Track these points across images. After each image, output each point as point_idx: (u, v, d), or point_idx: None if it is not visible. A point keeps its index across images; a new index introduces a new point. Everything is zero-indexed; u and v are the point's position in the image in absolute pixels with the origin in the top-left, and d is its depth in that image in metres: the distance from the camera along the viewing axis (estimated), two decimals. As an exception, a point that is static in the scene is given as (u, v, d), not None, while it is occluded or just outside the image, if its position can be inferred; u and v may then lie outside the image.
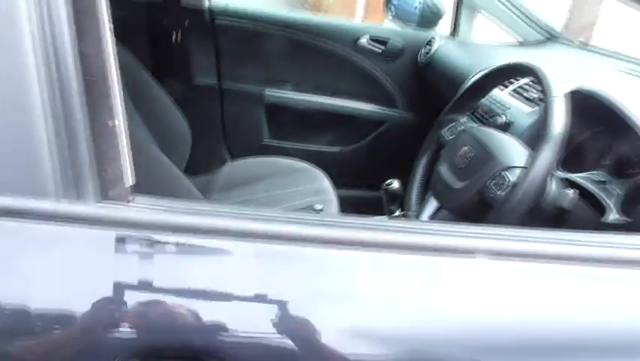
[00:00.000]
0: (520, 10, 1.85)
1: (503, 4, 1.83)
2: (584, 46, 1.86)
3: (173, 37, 1.79)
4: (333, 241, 0.52)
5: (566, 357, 0.58)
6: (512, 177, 0.86)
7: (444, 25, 1.96)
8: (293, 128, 1.99)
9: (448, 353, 0.55)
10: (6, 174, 0.45)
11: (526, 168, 0.85)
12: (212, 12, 1.84)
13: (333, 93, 1.94)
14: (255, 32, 1.86)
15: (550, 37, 1.86)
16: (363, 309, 0.52)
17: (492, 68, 1.14)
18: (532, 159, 0.83)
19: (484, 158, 0.91)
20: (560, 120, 0.84)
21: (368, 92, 1.94)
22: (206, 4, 1.83)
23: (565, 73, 1.42)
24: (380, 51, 1.90)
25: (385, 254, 0.53)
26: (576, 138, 1.08)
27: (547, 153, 0.81)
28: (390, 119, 1.94)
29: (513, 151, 0.89)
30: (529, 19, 1.86)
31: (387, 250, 0.53)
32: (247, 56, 1.88)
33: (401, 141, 1.81)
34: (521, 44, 1.87)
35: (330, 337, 0.51)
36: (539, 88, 1.26)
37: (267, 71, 1.92)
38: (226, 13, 1.87)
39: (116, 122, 0.49)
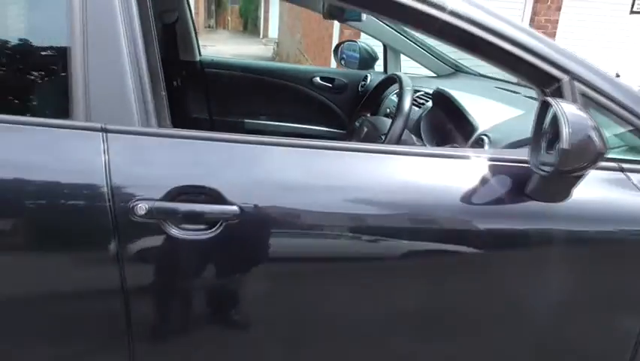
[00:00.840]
0: (434, 52, 2.48)
1: (421, 49, 2.47)
2: (481, 75, 2.49)
3: (174, 83, 2.39)
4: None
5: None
6: (384, 138, 1.44)
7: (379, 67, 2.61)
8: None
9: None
10: (119, 115, 1.01)
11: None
12: (203, 64, 2.47)
13: (297, 120, 2.54)
14: (235, 77, 2.48)
15: (457, 70, 2.49)
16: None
17: (379, 81, 1.76)
18: (391, 126, 1.42)
19: (373, 131, 1.49)
20: (407, 103, 1.43)
21: (323, 118, 2.54)
22: (198, 58, 2.46)
23: (455, 88, 2.03)
24: (330, 86, 2.52)
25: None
26: (444, 125, 1.67)
27: (399, 122, 1.40)
28: (341, 138, 2.52)
29: (386, 125, 1.48)
30: (441, 58, 2.49)
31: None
32: (230, 95, 2.49)
33: None
34: (437, 77, 2.50)
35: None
36: (422, 95, 1.88)
37: (246, 106, 2.52)
38: (213, 64, 2.49)
39: (163, 93, 1.07)
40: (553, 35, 7.35)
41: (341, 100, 2.53)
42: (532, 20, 7.29)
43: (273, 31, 18.24)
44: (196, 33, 2.43)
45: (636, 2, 7.68)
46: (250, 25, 24.78)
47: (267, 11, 20.67)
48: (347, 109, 2.51)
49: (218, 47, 13.59)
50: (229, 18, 27.27)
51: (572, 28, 7.37)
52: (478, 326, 1.20)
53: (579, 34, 7.42)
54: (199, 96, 2.45)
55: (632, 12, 7.72)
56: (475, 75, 2.46)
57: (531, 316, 1.21)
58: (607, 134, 1.22)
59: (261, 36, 21.12)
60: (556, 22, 7.35)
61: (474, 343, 1.22)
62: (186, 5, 2.33)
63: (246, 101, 2.50)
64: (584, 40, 7.39)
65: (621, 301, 1.23)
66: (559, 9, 7.29)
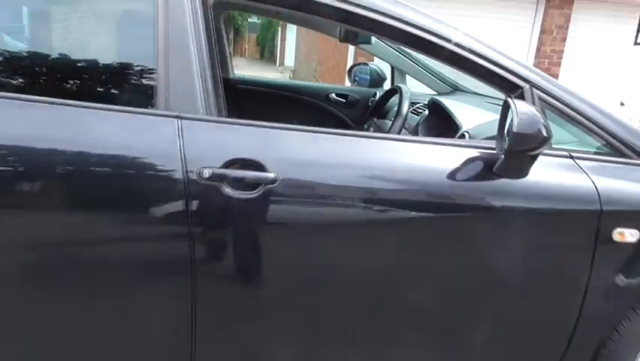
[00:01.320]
0: (435, 73, 2.86)
1: (424, 70, 2.85)
2: (475, 93, 2.85)
3: (211, 96, 2.78)
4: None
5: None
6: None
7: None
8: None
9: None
10: (189, 106, 1.38)
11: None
12: (235, 81, 2.86)
13: None
14: (262, 93, 2.87)
15: (455, 88, 2.86)
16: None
17: (384, 91, 2.14)
18: (391, 125, 1.79)
19: (378, 131, 1.86)
20: (405, 107, 1.80)
21: (337, 129, 2.90)
22: (231, 75, 2.86)
23: (449, 100, 2.39)
24: (344, 101, 2.90)
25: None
26: (437, 127, 2.03)
27: (398, 123, 1.77)
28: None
29: (388, 126, 1.85)
30: (441, 78, 2.86)
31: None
32: (257, 108, 2.86)
33: None
34: (438, 94, 2.86)
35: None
36: (420, 106, 2.24)
37: (272, 118, 2.88)
38: (244, 81, 2.89)
39: (221, 92, 1.44)
40: (558, 65, 7.69)
41: (353, 113, 2.90)
42: (538, 50, 7.63)
43: (289, 60, 18.85)
44: (231, 55, 2.83)
45: (640, 34, 8.02)
46: (267, 53, 25.55)
47: (283, 39, 21.38)
48: (358, 121, 2.89)
49: (236, 73, 14.17)
50: (246, 46, 28.12)
51: (577, 58, 7.69)
52: (454, 284, 1.52)
53: (584, 64, 7.73)
54: (231, 108, 2.82)
55: (635, 43, 8.05)
56: (470, 93, 2.82)
57: (491, 280, 1.51)
58: (562, 130, 1.58)
59: (278, 64, 21.80)
60: (562, 52, 7.67)
61: (446, 295, 1.54)
62: (223, 31, 2.74)
63: (271, 113, 2.86)
64: (589, 70, 7.71)
65: (570, 266, 1.52)
66: (564, 40, 7.62)
